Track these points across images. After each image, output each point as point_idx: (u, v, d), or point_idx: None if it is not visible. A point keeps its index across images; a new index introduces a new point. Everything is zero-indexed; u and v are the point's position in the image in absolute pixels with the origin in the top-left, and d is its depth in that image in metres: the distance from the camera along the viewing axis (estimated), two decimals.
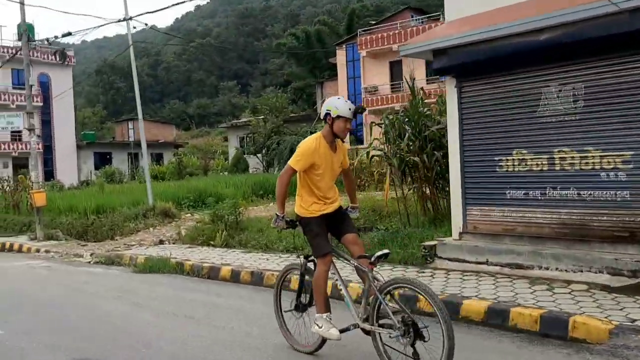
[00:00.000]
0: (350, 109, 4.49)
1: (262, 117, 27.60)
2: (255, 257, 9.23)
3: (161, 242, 12.23)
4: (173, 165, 31.23)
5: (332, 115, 4.49)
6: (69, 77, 40.17)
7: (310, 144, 4.56)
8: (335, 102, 4.54)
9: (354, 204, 5.00)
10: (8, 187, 20.20)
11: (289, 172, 4.58)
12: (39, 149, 37.72)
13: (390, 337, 4.03)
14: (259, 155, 27.29)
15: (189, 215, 16.01)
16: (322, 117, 4.68)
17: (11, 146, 36.57)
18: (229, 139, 34.00)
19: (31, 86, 14.84)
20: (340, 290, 4.71)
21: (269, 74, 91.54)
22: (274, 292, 5.13)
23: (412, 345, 3.89)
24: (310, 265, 4.74)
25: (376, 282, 4.21)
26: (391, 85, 29.31)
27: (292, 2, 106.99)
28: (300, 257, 4.95)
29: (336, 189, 4.82)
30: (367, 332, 4.29)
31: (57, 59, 34.57)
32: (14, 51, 35.31)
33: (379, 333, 4.15)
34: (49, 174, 35.02)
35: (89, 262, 11.07)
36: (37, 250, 12.99)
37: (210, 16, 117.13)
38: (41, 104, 37.71)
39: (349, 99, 31.41)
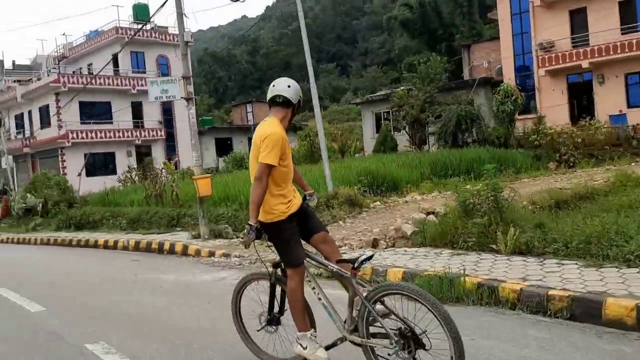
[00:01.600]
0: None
1: (409, 87, 23.82)
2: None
3: (375, 243, 8.90)
4: (305, 147, 28.27)
5: (294, 101, 3.94)
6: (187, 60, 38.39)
7: (279, 131, 3.83)
8: (298, 89, 4.00)
9: (308, 190, 4.35)
10: (149, 175, 17.96)
11: (267, 171, 3.77)
12: (161, 135, 36.69)
13: (389, 355, 3.57)
14: (406, 130, 23.60)
15: (378, 203, 12.67)
16: (278, 100, 3.93)
17: (134, 133, 35.28)
18: (363, 116, 30.56)
19: (186, 43, 12.00)
20: (319, 298, 4.00)
21: (370, 53, 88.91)
22: (232, 309, 4.49)
23: (413, 357, 3.48)
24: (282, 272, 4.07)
25: (362, 288, 3.72)
26: (572, 39, 24.53)
27: None
28: (267, 264, 4.20)
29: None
30: (357, 344, 3.77)
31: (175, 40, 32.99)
32: (132, 33, 33.83)
33: (372, 346, 3.69)
34: (174, 164, 33.39)
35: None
36: (211, 254, 10.12)
37: (302, 2, 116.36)
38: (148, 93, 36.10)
39: (515, 59, 26.61)
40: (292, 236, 3.94)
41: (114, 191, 20.94)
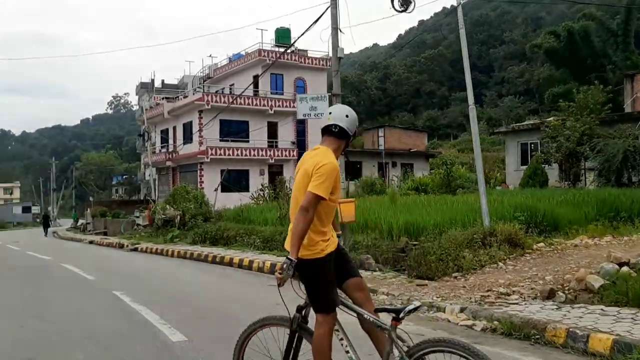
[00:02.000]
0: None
1: (565, 117, 21.67)
2: None
3: (552, 293, 7.44)
4: (440, 175, 26.85)
5: (351, 132, 3.64)
6: (323, 82, 38.65)
7: (335, 162, 3.48)
8: (355, 120, 3.68)
9: (338, 230, 3.90)
10: (281, 194, 17.64)
11: (315, 203, 3.37)
12: (293, 155, 36.99)
13: None
14: (559, 164, 21.40)
15: (542, 244, 11.09)
16: (334, 130, 3.61)
17: (268, 153, 35.92)
18: (506, 146, 28.54)
19: (339, 59, 11.39)
20: (347, 351, 3.56)
21: (506, 83, 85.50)
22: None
23: None
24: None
25: (402, 342, 3.29)
26: None
27: (527, 6, 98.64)
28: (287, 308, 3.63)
29: None
30: None
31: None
32: (274, 56, 34.57)
33: None
34: None
35: (467, 325, 6.67)
36: None
37: (434, 30, 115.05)
38: (296, 109, 36.54)
39: None
40: (329, 278, 3.58)
41: (248, 208, 20.93)
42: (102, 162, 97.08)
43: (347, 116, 3.63)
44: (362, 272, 10.33)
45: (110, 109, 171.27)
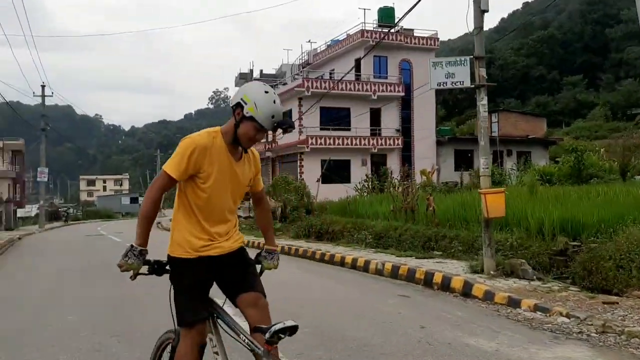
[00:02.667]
0: (273, 117, 2.85)
1: None
2: None
3: None
4: (569, 163, 23.58)
5: (245, 110, 2.87)
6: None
7: (198, 139, 2.92)
8: (257, 94, 2.87)
9: (271, 245, 3.42)
10: (399, 187, 15.60)
11: (161, 181, 2.92)
12: (398, 144, 34.78)
13: None
14: None
15: None
16: (231, 105, 2.96)
17: (371, 141, 33.89)
18: None
19: (482, 12, 9.12)
20: None
21: (625, 65, 78.05)
22: None
23: None
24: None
25: None
26: None
27: None
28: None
29: (235, 219, 3.18)
30: None
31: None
32: (378, 37, 32.44)
33: None
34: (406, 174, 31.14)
35: None
36: (513, 303, 6.98)
37: (540, 12, 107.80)
38: (402, 94, 34.27)
39: None
40: (194, 285, 2.99)
41: (355, 200, 19.06)
42: None
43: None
44: (517, 282, 8.12)
45: (211, 103, 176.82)
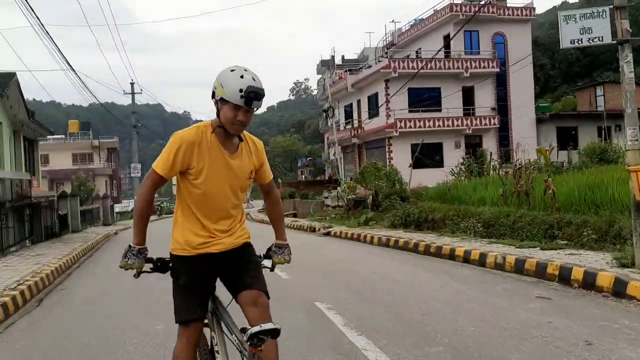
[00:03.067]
0: (241, 91, 2.70)
1: None
2: None
3: None
4: None
5: (217, 95, 2.82)
6: (527, 37, 33.33)
7: (184, 135, 2.87)
8: (223, 76, 2.79)
9: (281, 239, 3.31)
10: (511, 168, 13.97)
11: (151, 179, 2.90)
12: (494, 124, 32.54)
13: None
14: None
15: None
16: (211, 97, 2.92)
17: (464, 122, 31.87)
18: None
19: None
20: None
21: None
22: None
23: None
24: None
25: None
26: None
27: None
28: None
29: (241, 214, 3.10)
30: None
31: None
32: (468, 10, 30.34)
33: None
34: (505, 155, 28.99)
35: None
36: None
37: None
38: (497, 70, 31.93)
39: None
40: (191, 283, 2.93)
41: (456, 186, 17.49)
42: (287, 145, 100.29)
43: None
44: None
45: (292, 95, 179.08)
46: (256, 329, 2.49)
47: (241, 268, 3.03)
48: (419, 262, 10.38)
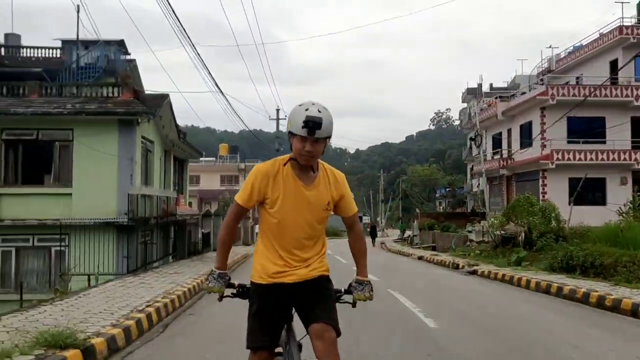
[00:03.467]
0: (303, 122, 2.85)
1: None
2: None
3: None
4: None
5: (287, 130, 3.01)
6: None
7: (261, 167, 3.08)
8: (292, 112, 2.97)
9: (362, 275, 3.23)
10: None
11: (232, 208, 3.10)
12: None
13: None
14: None
15: None
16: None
17: (632, 156, 28.21)
18: None
19: None
20: None
21: None
22: None
23: None
24: None
25: None
26: None
27: None
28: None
29: (320, 246, 3.13)
30: None
31: None
32: (638, 32, 27.11)
33: None
34: None
35: None
36: None
37: None
38: None
39: None
40: (262, 312, 3.01)
41: (631, 227, 15.03)
42: (426, 175, 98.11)
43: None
44: None
45: (433, 124, 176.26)
46: None
47: (313, 300, 3.01)
48: (595, 320, 8.57)
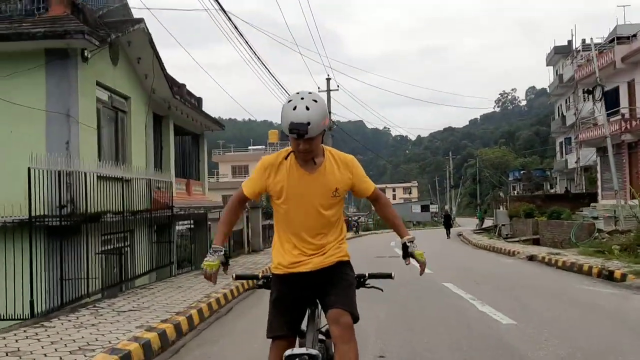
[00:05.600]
0: (289, 130, 2.83)
1: None
2: None
3: None
4: None
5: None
6: None
7: (266, 158, 3.16)
8: (282, 109, 2.90)
9: (406, 234, 3.25)
10: None
11: (237, 193, 3.22)
12: None
13: None
14: None
15: None
16: None
17: None
18: None
19: None
20: None
21: None
22: None
23: None
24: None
25: None
26: None
27: None
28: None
29: (337, 233, 3.14)
30: None
31: None
32: None
33: None
34: None
35: None
36: None
37: None
38: None
39: None
40: (280, 301, 3.08)
41: None
42: (496, 157, 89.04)
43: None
44: None
45: (497, 106, 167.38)
46: (287, 352, 2.82)
47: (330, 287, 3.06)
48: None
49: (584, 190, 33.44)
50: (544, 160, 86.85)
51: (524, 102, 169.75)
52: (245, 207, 3.35)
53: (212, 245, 3.07)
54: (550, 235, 21.26)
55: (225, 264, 3.06)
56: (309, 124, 2.76)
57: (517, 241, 22.99)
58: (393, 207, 3.40)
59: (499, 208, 34.76)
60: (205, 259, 3.02)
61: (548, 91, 45.86)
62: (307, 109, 2.76)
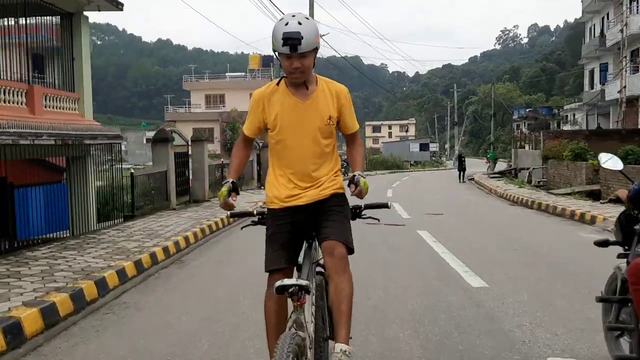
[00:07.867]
0: (282, 40, 2.75)
1: None
2: None
3: None
4: None
5: (272, 48, 2.90)
6: None
7: (257, 91, 3.12)
8: (274, 27, 2.83)
9: (357, 169, 3.16)
10: None
11: (240, 137, 3.29)
12: None
13: None
14: None
15: None
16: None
17: None
18: None
19: None
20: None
21: None
22: None
23: None
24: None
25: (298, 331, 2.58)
26: None
27: None
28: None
29: (331, 165, 3.10)
30: None
31: None
32: None
33: None
34: None
35: None
36: None
37: None
38: None
39: None
40: (276, 235, 3.07)
41: None
42: (499, 94, 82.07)
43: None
44: None
45: (498, 44, 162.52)
46: (278, 283, 2.57)
47: (324, 219, 3.03)
48: None
49: (621, 127, 26.64)
50: (549, 98, 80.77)
51: (525, 40, 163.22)
52: (253, 145, 3.10)
53: (227, 178, 3.12)
54: (620, 187, 14.59)
55: (233, 191, 3.04)
56: (302, 37, 2.73)
57: (569, 194, 16.27)
58: (363, 150, 3.40)
59: (522, 147, 28.06)
60: (220, 189, 3.09)
61: (582, 7, 38.04)
62: (300, 23, 2.75)
